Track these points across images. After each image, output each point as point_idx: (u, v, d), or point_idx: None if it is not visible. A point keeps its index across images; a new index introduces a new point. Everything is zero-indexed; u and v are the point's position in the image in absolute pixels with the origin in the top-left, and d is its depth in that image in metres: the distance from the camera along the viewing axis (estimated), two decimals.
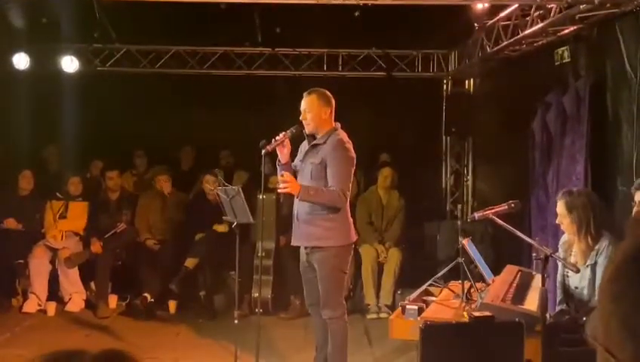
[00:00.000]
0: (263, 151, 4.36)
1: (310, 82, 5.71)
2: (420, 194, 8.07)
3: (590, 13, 4.95)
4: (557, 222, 4.19)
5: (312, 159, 4.37)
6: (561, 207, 4.11)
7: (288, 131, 4.40)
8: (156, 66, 8.07)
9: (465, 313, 3.61)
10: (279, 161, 4.45)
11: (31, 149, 8.07)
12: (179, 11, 6.06)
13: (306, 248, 4.45)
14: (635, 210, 3.81)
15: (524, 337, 3.28)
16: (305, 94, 4.43)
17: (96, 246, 6.80)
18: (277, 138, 4.37)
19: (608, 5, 4.71)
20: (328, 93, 4.46)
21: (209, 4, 5.63)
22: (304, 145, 4.52)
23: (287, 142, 4.40)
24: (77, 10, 6.50)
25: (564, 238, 4.30)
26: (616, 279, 0.82)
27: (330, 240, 4.32)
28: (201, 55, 8.10)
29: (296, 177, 4.40)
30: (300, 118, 4.42)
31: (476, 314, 3.44)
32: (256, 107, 7.98)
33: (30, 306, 6.58)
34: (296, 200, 4.43)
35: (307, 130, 4.41)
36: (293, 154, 4.54)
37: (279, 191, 4.42)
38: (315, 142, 4.41)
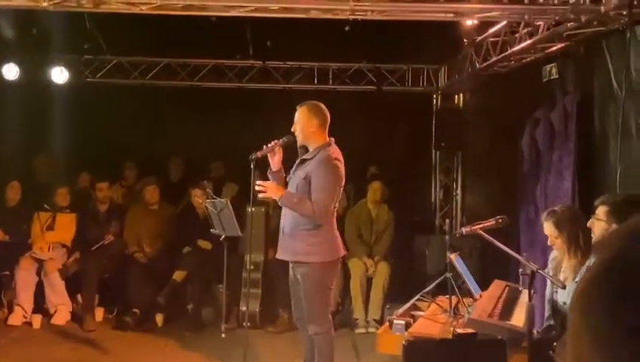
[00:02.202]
0: (252, 161, 4.37)
1: (301, 95, 5.72)
2: (409, 208, 8.07)
3: (578, 31, 4.99)
4: (549, 243, 4.16)
5: (300, 173, 4.37)
6: (549, 228, 4.08)
7: (280, 140, 4.41)
8: (147, 78, 8.06)
9: (452, 328, 3.60)
10: (270, 169, 4.45)
11: (19, 160, 8.02)
12: (170, 24, 6.07)
13: (291, 262, 4.44)
14: (604, 226, 3.74)
15: (507, 354, 3.27)
16: (297, 106, 4.45)
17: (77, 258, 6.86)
18: (268, 145, 4.37)
19: (595, 23, 4.75)
20: (321, 106, 4.43)
21: (200, 17, 5.63)
22: (299, 158, 4.53)
23: (278, 149, 4.40)
24: (67, 22, 6.48)
25: (553, 254, 4.29)
26: (587, 292, 0.79)
27: (314, 255, 4.28)
28: (191, 67, 8.11)
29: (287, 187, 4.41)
30: (292, 130, 4.43)
31: (459, 330, 3.44)
32: (247, 120, 7.96)
33: (15, 318, 6.50)
34: (283, 214, 4.42)
35: (298, 141, 4.42)
36: (287, 164, 4.53)
37: (259, 197, 4.40)
38: (304, 156, 4.40)
